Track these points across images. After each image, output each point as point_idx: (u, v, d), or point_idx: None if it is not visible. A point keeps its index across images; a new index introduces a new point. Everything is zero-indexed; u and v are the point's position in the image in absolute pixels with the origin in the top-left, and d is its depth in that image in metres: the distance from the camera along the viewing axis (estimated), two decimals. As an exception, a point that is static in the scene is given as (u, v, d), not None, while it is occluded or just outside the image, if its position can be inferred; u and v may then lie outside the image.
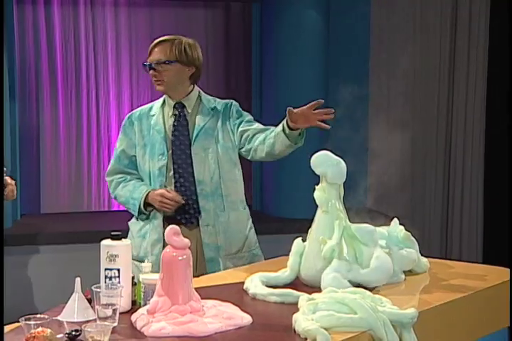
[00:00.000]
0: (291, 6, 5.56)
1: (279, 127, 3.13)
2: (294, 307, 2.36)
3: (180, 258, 2.26)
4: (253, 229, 3.39)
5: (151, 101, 5.71)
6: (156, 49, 3.27)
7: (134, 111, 3.42)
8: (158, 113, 3.32)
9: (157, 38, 3.31)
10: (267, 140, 3.18)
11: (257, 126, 3.31)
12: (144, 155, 3.29)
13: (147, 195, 3.21)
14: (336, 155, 2.74)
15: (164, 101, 3.34)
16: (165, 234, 2.31)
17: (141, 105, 5.82)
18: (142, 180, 3.30)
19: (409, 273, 2.82)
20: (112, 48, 5.80)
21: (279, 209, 5.70)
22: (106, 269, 2.38)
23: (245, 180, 3.36)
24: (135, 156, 3.32)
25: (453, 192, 6.30)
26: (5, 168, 2.72)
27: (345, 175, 2.69)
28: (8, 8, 5.27)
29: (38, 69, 5.72)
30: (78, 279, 2.33)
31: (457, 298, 2.55)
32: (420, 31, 6.14)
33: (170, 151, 3.25)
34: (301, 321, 2.14)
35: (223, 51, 6.11)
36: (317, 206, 2.72)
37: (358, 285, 2.52)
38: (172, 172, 3.25)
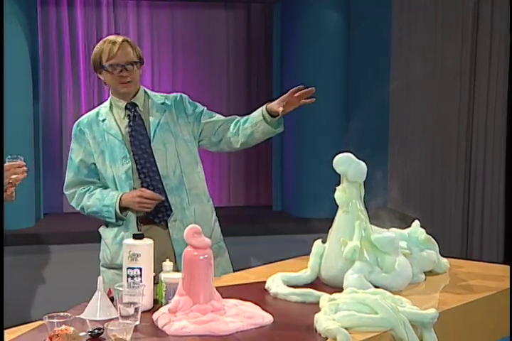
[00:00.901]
0: (312, 7, 5.55)
1: (257, 116, 3.12)
2: (314, 306, 2.38)
3: (201, 257, 2.28)
4: (217, 222, 3.34)
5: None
6: (121, 50, 3.16)
7: (80, 118, 3.31)
8: (108, 117, 3.23)
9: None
10: (242, 131, 3.18)
11: (218, 117, 3.29)
12: (104, 161, 3.20)
13: (120, 199, 3.13)
14: (357, 154, 2.74)
15: (111, 104, 3.26)
16: (185, 234, 2.32)
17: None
18: (105, 188, 3.22)
19: (429, 273, 2.83)
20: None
21: (300, 209, 5.70)
22: (128, 268, 2.40)
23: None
24: (94, 164, 3.22)
25: (474, 191, 6.27)
26: (20, 157, 2.64)
27: (366, 175, 2.69)
28: (32, 10, 5.31)
29: (61, 69, 5.76)
30: (100, 278, 2.35)
31: (477, 299, 2.55)
32: (442, 31, 6.11)
33: (131, 153, 3.18)
34: (323, 321, 2.16)
35: (244, 52, 6.11)
36: (338, 206, 2.73)
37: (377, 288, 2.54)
38: (138, 173, 3.18)
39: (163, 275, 2.47)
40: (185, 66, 5.87)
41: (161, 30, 5.90)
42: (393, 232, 2.80)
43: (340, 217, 2.71)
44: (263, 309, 2.36)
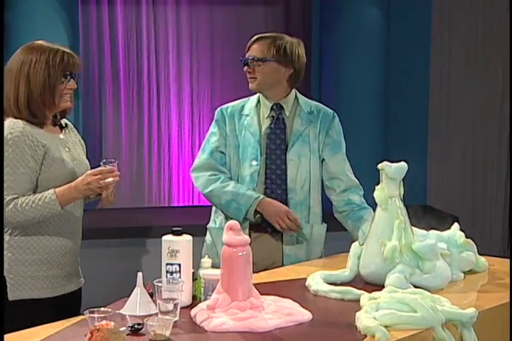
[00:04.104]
0: (351, 3, 5.52)
1: (356, 232, 3.08)
2: (353, 304, 2.38)
3: (240, 254, 2.28)
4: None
5: (211, 99, 5.90)
6: (254, 45, 3.13)
7: (224, 105, 3.23)
8: (252, 113, 3.15)
9: (258, 33, 3.18)
10: (344, 218, 3.17)
11: (347, 172, 3.20)
12: (234, 156, 3.15)
13: (259, 202, 3.05)
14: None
15: (259, 100, 3.18)
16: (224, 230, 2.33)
17: (200, 103, 6.00)
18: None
19: (468, 272, 2.83)
20: (173, 46, 5.85)
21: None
22: (167, 264, 2.41)
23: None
24: (225, 154, 3.17)
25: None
26: (114, 160, 2.67)
27: (405, 172, 2.68)
28: (73, 8, 5.36)
29: (101, 67, 5.80)
30: (140, 274, 2.36)
31: (517, 298, 2.54)
32: (483, 27, 6.04)
33: (264, 156, 3.11)
34: (363, 319, 2.17)
35: (283, 48, 6.10)
36: (376, 206, 2.72)
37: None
38: (264, 177, 3.12)
39: (201, 272, 2.47)
40: (223, 62, 5.88)
41: (199, 27, 5.92)
42: (433, 234, 2.82)
43: (379, 214, 2.70)
44: (302, 306, 2.36)
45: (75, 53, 2.72)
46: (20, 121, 2.62)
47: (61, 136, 2.75)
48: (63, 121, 2.81)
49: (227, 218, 3.13)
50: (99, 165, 2.66)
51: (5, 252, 2.62)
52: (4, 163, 2.57)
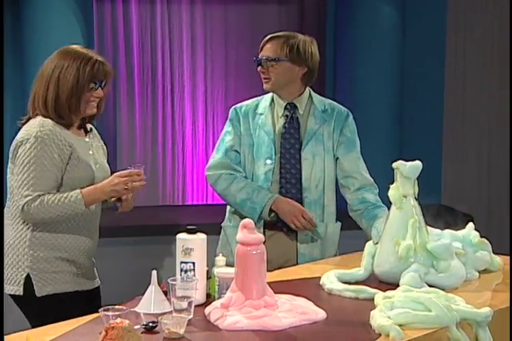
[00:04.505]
0: (366, 2, 5.51)
1: (370, 231, 3.05)
2: (368, 303, 2.38)
3: (254, 252, 2.28)
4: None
5: (225, 97, 5.90)
6: (267, 45, 3.13)
7: (238, 104, 3.24)
8: (266, 112, 3.15)
9: (272, 33, 3.18)
10: (358, 216, 3.16)
11: (362, 171, 3.20)
12: (249, 155, 3.15)
13: (273, 202, 3.07)
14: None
15: (273, 100, 3.19)
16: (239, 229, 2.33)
17: (214, 101, 6.00)
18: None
19: (483, 271, 2.82)
20: (188, 45, 5.86)
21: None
22: (181, 262, 2.42)
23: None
24: (240, 154, 3.18)
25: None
26: (141, 165, 2.74)
27: (420, 171, 2.68)
28: (88, 7, 5.38)
29: (116, 66, 5.80)
30: (154, 272, 2.37)
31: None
32: (499, 23, 6.01)
33: (278, 155, 3.12)
34: (378, 317, 2.17)
35: (297, 47, 6.09)
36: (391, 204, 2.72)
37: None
38: (278, 176, 3.12)
39: (216, 270, 2.48)
40: (237, 61, 5.88)
41: (214, 26, 5.92)
42: (447, 233, 2.82)
43: (393, 213, 2.70)
44: (316, 305, 2.36)
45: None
46: (49, 120, 2.68)
47: (86, 139, 2.82)
48: (88, 126, 2.86)
49: (241, 216, 3.13)
50: (124, 169, 2.70)
51: (26, 249, 2.68)
52: (30, 159, 2.62)
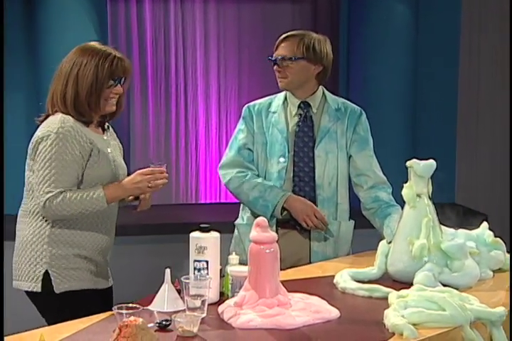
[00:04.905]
0: (379, 0, 5.49)
1: (383, 230, 3.05)
2: (381, 302, 2.37)
3: (267, 251, 2.28)
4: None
5: (238, 96, 5.90)
6: (282, 44, 3.13)
7: (251, 103, 3.24)
8: (280, 111, 3.16)
9: (285, 31, 3.18)
10: (372, 215, 3.15)
11: (374, 169, 3.19)
12: (262, 153, 3.15)
13: (286, 199, 3.06)
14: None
15: (286, 98, 3.20)
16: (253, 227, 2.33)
17: (228, 100, 6.00)
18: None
19: (497, 270, 2.82)
20: (201, 44, 5.86)
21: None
22: (195, 261, 2.42)
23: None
24: (253, 152, 3.18)
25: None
26: (163, 163, 2.75)
27: (434, 170, 2.67)
28: (102, 6, 5.39)
29: (129, 64, 5.83)
30: (168, 270, 2.38)
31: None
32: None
33: (291, 153, 3.12)
34: (391, 317, 2.17)
35: (311, 46, 6.08)
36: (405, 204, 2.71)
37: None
38: (292, 174, 3.12)
39: (229, 269, 2.48)
40: (251, 60, 5.88)
41: (227, 24, 5.92)
42: (461, 233, 2.82)
43: (407, 212, 2.70)
44: (330, 304, 2.36)
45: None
46: (70, 117, 2.66)
47: (104, 137, 2.80)
48: (105, 124, 2.85)
49: (254, 215, 3.14)
50: (144, 167, 2.69)
51: (45, 246, 2.67)
52: (52, 155, 2.60)
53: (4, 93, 4.37)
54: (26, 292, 2.72)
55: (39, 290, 2.67)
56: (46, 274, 2.67)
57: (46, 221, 2.68)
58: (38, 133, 2.67)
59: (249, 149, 3.18)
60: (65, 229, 2.68)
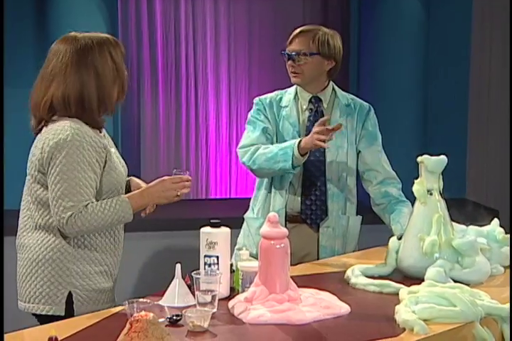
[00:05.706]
0: (390, -4, 5.49)
1: (393, 226, 3.05)
2: (392, 297, 2.37)
3: (277, 246, 2.27)
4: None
5: (249, 90, 5.90)
6: (297, 39, 3.11)
7: (263, 96, 3.22)
8: (291, 105, 3.16)
9: (298, 27, 3.16)
10: (381, 211, 3.15)
11: (383, 163, 3.19)
12: (275, 143, 3.12)
13: (300, 141, 2.94)
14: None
15: (297, 93, 3.19)
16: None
17: (238, 94, 6.00)
18: None
19: (508, 266, 2.80)
20: (211, 38, 5.86)
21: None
22: (205, 256, 2.42)
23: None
24: (271, 138, 3.14)
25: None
26: (185, 171, 2.56)
27: (445, 166, 2.66)
28: (113, 1, 5.39)
29: (140, 59, 5.82)
30: (179, 265, 2.38)
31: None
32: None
33: None
34: (402, 312, 2.17)
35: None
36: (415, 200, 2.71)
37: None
38: (302, 169, 3.11)
39: (239, 264, 2.48)
40: (261, 54, 5.88)
41: (237, 19, 5.92)
42: (472, 230, 2.83)
43: (417, 208, 2.69)
44: (340, 299, 2.36)
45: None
46: (78, 120, 2.44)
47: (102, 134, 2.57)
48: None
49: (264, 208, 3.15)
50: (167, 175, 2.55)
51: (69, 265, 2.44)
52: (69, 166, 2.38)
53: (11, 90, 4.35)
54: (36, 314, 2.48)
55: (62, 313, 2.43)
56: (69, 296, 2.45)
57: (66, 237, 2.45)
58: (48, 142, 2.40)
59: (270, 134, 3.15)
60: (87, 245, 2.48)
